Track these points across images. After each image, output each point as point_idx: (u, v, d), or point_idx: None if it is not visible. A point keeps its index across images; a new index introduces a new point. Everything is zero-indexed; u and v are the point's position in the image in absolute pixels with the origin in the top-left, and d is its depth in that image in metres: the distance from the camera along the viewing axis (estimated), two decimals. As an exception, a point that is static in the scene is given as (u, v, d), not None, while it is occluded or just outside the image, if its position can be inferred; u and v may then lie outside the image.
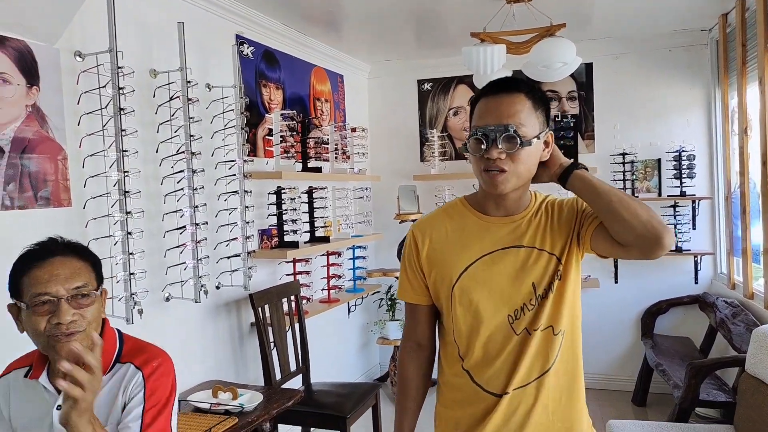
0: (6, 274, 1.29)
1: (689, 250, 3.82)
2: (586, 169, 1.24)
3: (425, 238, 1.31)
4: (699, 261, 3.85)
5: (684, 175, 3.78)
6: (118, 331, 1.37)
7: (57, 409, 1.28)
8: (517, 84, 1.20)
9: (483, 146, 1.17)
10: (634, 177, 3.92)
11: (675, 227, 3.81)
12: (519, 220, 1.26)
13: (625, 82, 3.96)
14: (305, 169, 3.33)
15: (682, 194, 3.81)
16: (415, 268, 1.32)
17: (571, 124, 4.03)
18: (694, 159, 3.77)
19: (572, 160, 1.25)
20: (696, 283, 3.88)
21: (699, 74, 3.84)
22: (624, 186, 3.91)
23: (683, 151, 3.78)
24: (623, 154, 3.89)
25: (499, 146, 1.16)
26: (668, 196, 3.87)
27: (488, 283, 1.24)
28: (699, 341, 3.71)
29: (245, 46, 3.03)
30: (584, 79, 4.03)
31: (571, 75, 3.57)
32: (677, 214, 3.82)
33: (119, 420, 1.28)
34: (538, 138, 1.19)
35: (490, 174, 1.18)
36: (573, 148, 4.00)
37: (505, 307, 1.23)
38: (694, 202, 3.84)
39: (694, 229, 3.87)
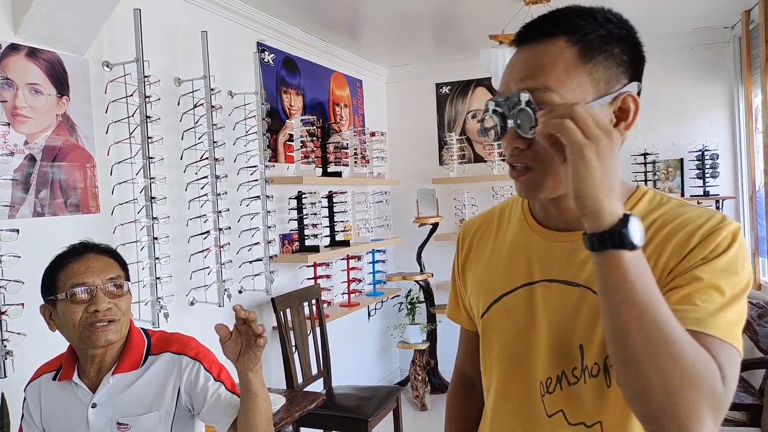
0: (38, 279, 1.33)
1: (713, 251, 3.76)
2: (632, 244, 0.66)
3: (466, 242, 0.99)
4: (724, 262, 3.79)
5: (707, 175, 3.74)
6: (142, 328, 1.43)
7: (92, 407, 1.32)
8: (555, 24, 0.77)
9: (492, 130, 0.77)
10: (656, 177, 3.88)
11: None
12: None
13: (646, 81, 3.84)
14: (325, 173, 3.36)
15: (706, 194, 3.76)
16: (456, 277, 1.03)
17: (591, 126, 4.00)
18: (717, 158, 3.72)
19: (625, 213, 0.67)
20: (721, 284, 3.82)
21: (721, 72, 3.79)
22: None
23: (706, 150, 3.74)
24: (645, 155, 3.86)
25: (516, 126, 0.75)
26: (691, 196, 3.82)
27: (519, 327, 0.86)
28: (725, 344, 3.65)
29: (266, 53, 3.07)
30: (604, 79, 4.01)
31: (591, 76, 3.54)
32: (701, 214, 3.77)
33: (171, 406, 1.35)
34: (594, 103, 0.75)
35: (512, 171, 0.81)
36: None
37: (538, 368, 0.83)
38: (717, 202, 3.78)
39: (718, 229, 3.81)
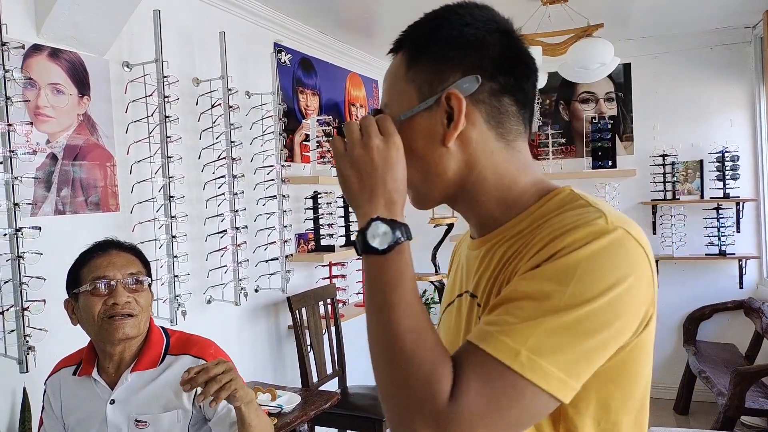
0: (62, 276, 1.36)
1: (733, 253, 3.71)
2: (402, 236, 0.65)
3: (455, 256, 0.93)
4: (744, 265, 3.74)
5: (727, 177, 3.68)
6: (161, 327, 1.45)
7: (110, 403, 1.34)
8: (402, 37, 0.76)
9: None
10: (675, 179, 3.84)
11: (718, 230, 3.72)
12: (487, 243, 0.73)
13: (665, 82, 3.88)
14: (341, 173, 3.37)
15: (726, 196, 3.70)
16: None
17: (609, 126, 3.98)
18: (737, 160, 3.67)
19: (372, 218, 0.66)
20: (741, 287, 3.76)
21: (742, 72, 3.73)
22: (665, 188, 3.82)
23: (726, 151, 3.68)
24: (663, 156, 3.81)
25: None
26: (711, 198, 3.77)
27: (451, 338, 0.80)
28: (744, 348, 3.59)
29: (283, 53, 3.09)
30: (622, 79, 3.97)
31: (609, 76, 3.52)
32: (720, 216, 3.72)
33: (188, 408, 1.36)
34: (414, 110, 0.71)
35: None
36: (611, 150, 3.94)
37: None
38: (738, 204, 3.73)
39: (738, 232, 3.76)
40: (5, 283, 1.64)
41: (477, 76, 0.68)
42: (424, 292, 4.18)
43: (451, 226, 4.07)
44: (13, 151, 1.64)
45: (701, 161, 3.82)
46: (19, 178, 1.65)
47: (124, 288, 1.32)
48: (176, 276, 2.18)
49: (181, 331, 1.49)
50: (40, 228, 1.70)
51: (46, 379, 1.44)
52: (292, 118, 3.13)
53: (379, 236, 0.64)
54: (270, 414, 2.22)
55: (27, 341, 1.62)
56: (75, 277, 1.35)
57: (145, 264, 1.40)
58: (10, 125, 1.63)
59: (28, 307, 1.64)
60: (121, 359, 1.37)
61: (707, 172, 3.80)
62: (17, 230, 1.64)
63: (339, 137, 0.73)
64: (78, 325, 1.37)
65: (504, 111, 0.70)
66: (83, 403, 1.38)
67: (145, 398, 1.35)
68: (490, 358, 0.58)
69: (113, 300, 1.30)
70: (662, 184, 3.81)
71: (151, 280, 1.40)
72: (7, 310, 1.62)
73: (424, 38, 0.72)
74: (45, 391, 1.44)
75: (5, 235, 1.63)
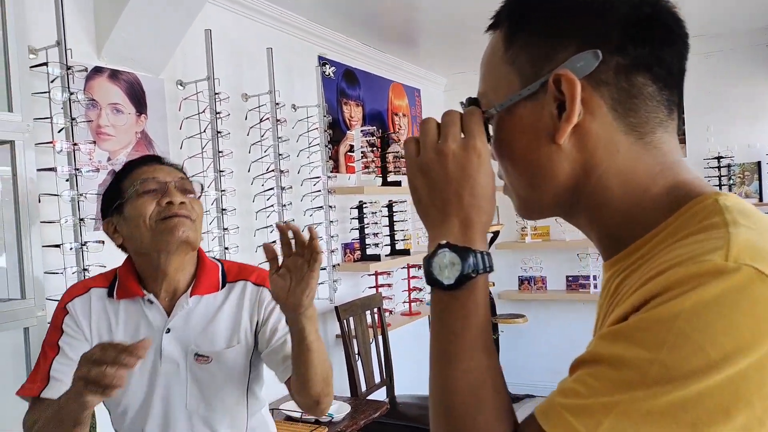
0: None
1: (797, 258, 3.53)
2: None
3: None
4: (809, 271, 3.55)
5: (788, 178, 3.52)
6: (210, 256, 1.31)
7: (166, 332, 1.17)
8: (501, 11, 0.60)
9: None
10: (731, 182, 3.69)
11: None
12: (609, 271, 0.61)
13: (718, 81, 3.75)
14: (385, 183, 3.39)
15: (787, 199, 3.54)
16: None
17: (659, 129, 3.85)
18: (799, 160, 3.50)
19: (439, 243, 0.56)
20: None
21: (802, 69, 3.57)
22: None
23: (786, 152, 3.53)
24: (718, 158, 3.68)
25: None
26: (771, 201, 3.61)
27: None
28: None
29: (327, 66, 3.14)
30: (671, 81, 3.86)
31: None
32: (782, 220, 3.55)
33: (251, 341, 1.21)
34: (514, 98, 0.58)
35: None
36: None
37: None
38: (801, 207, 3.55)
39: (802, 236, 3.58)
40: (72, 294, 1.71)
41: (596, 50, 0.51)
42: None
43: (496, 234, 4.02)
44: (78, 169, 1.72)
45: (759, 162, 3.66)
46: (84, 195, 1.73)
47: (177, 189, 1.14)
48: (229, 287, 2.23)
49: (233, 261, 1.33)
50: (103, 242, 1.77)
51: (66, 303, 1.19)
52: (336, 130, 3.17)
53: (446, 267, 0.53)
54: (320, 423, 2.25)
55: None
56: (114, 192, 1.16)
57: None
58: (75, 144, 1.72)
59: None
60: (175, 284, 1.18)
61: (766, 174, 3.64)
62: (83, 244, 1.72)
63: (413, 138, 0.60)
64: (121, 244, 1.18)
65: (637, 93, 0.53)
66: (125, 332, 1.17)
67: (205, 330, 1.18)
68: None
69: (168, 198, 1.11)
70: (717, 187, 3.67)
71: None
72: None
73: (527, 6, 0.56)
74: (65, 315, 1.18)
75: (71, 249, 1.71)
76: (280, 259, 1.05)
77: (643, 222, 0.53)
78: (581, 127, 0.53)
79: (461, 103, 0.61)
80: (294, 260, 1.03)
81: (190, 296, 1.18)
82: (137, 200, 1.12)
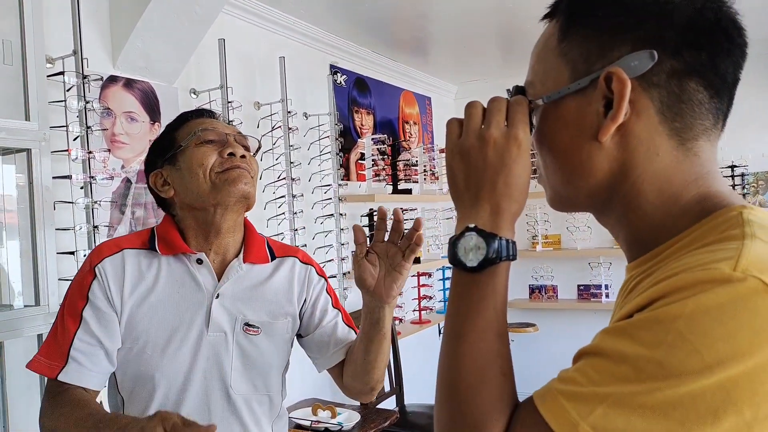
0: None
1: (813, 269, 3.49)
2: None
3: None
4: (825, 281, 3.50)
5: (804, 188, 3.48)
6: None
7: (216, 297, 1.08)
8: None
9: None
10: (745, 191, 3.66)
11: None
12: (631, 273, 0.63)
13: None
14: (396, 191, 3.40)
15: (802, 208, 3.50)
16: None
17: (671, 137, 3.84)
18: (814, 169, 3.46)
19: (467, 226, 0.57)
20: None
21: (817, 78, 3.54)
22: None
23: (802, 161, 3.49)
24: (732, 167, 3.64)
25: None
26: (786, 210, 3.57)
27: None
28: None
29: (338, 74, 3.16)
30: (684, 89, 3.84)
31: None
32: (797, 229, 3.51)
33: (296, 318, 1.16)
34: (561, 92, 0.58)
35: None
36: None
37: None
38: (816, 216, 3.51)
39: (817, 246, 3.53)
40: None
41: (652, 51, 0.51)
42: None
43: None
44: (92, 177, 1.74)
45: (774, 171, 3.63)
46: (98, 203, 1.75)
47: (237, 142, 1.07)
48: (240, 294, 2.24)
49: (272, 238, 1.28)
50: (116, 249, 1.79)
51: (95, 264, 1.06)
52: (348, 138, 3.18)
53: (470, 250, 0.54)
54: (330, 431, 2.24)
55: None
56: (166, 143, 1.08)
57: None
58: (90, 153, 1.74)
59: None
60: (225, 247, 1.09)
61: (781, 182, 3.61)
62: (96, 251, 1.73)
63: (456, 120, 0.60)
64: (171, 197, 1.09)
65: (686, 99, 0.53)
66: (166, 292, 1.05)
67: (254, 299, 1.11)
68: (543, 425, 0.47)
69: (230, 149, 1.04)
70: (731, 196, 3.64)
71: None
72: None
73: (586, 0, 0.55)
74: (92, 279, 1.05)
75: (85, 255, 1.72)
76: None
77: (670, 228, 0.54)
78: (625, 126, 0.53)
79: (507, 90, 0.61)
80: (387, 248, 0.99)
81: (244, 262, 1.11)
82: (197, 150, 1.04)
